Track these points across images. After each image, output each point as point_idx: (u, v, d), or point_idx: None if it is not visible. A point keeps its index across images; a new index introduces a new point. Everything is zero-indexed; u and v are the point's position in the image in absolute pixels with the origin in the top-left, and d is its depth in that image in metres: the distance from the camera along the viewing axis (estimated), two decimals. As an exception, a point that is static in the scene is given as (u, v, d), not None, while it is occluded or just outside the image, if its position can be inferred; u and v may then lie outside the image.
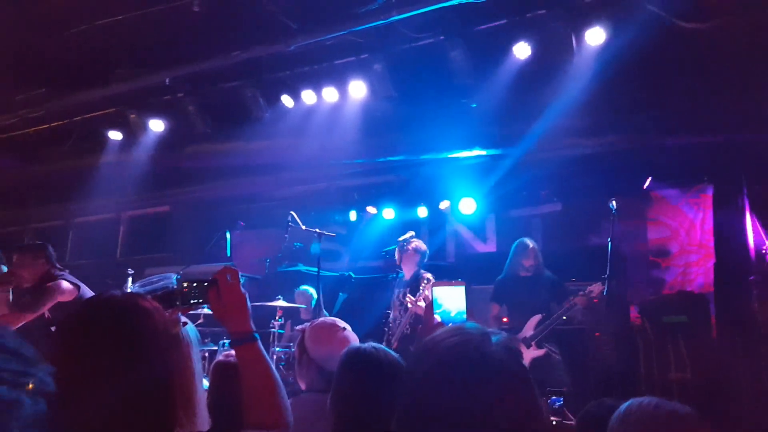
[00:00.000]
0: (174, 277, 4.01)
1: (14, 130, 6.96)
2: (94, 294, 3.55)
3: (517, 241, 4.88)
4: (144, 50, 5.66)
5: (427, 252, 4.93)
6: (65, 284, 3.66)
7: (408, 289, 4.67)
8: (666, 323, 4.50)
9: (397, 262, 4.91)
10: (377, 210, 6.94)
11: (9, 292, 4.44)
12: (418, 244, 4.87)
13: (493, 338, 1.00)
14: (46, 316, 3.81)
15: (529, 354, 4.36)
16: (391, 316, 4.84)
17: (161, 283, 4.06)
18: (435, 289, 2.02)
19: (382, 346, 1.85)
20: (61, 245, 8.53)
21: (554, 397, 3.48)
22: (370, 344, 1.86)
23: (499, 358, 0.96)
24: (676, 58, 4.76)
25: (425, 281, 4.42)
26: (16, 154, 7.52)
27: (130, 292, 1.33)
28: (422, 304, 4.36)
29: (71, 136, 6.92)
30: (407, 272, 4.84)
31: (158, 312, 1.29)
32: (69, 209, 8.34)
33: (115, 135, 6.77)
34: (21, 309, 3.64)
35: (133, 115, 6.43)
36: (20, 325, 3.71)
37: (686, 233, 5.52)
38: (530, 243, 4.78)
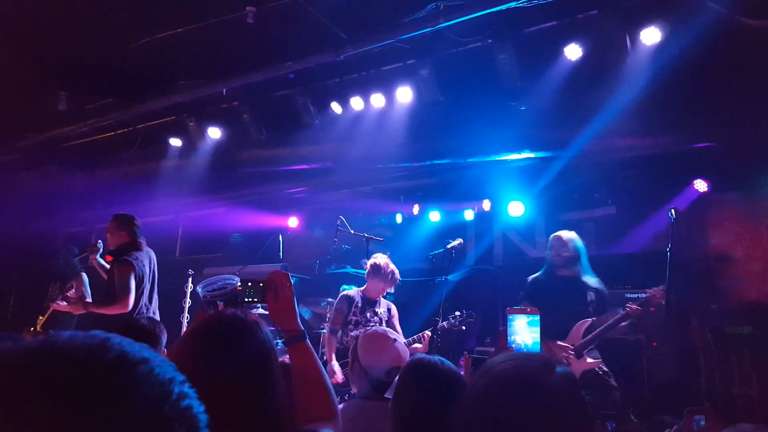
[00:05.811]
0: (236, 279, 4.23)
1: (84, 138, 7.46)
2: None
3: (553, 234, 4.29)
4: (202, 62, 5.92)
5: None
6: (128, 265, 4.27)
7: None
8: (729, 334, 4.30)
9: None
10: (423, 213, 6.96)
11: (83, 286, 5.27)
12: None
13: (558, 369, 0.98)
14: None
15: (581, 366, 3.87)
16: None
17: (220, 283, 4.30)
18: (510, 316, 1.98)
19: (446, 360, 1.87)
20: (126, 244, 9.01)
21: (608, 422, 3.35)
22: (437, 357, 1.89)
23: (557, 389, 0.94)
24: (740, 56, 4.51)
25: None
26: (86, 160, 8.03)
27: (236, 312, 1.41)
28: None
29: (135, 142, 7.34)
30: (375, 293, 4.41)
31: (260, 323, 1.40)
32: (132, 210, 8.78)
33: (175, 141, 7.10)
34: (113, 297, 4.19)
35: (192, 123, 6.75)
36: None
37: (751, 238, 5.24)
38: (566, 235, 4.20)
